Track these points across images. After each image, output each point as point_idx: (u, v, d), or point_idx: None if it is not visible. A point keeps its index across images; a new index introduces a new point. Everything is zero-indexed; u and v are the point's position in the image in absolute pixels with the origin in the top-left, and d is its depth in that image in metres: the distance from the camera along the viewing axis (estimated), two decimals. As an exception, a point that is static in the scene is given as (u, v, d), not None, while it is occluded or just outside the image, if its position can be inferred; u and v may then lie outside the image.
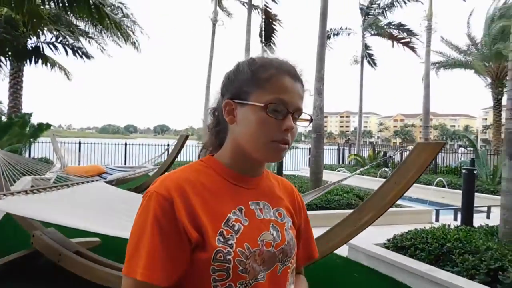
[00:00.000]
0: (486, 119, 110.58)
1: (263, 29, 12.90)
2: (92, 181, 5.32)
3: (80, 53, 16.88)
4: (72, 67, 18.10)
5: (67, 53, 16.34)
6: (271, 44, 14.63)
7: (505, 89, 19.28)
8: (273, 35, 14.72)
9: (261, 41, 14.77)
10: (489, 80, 20.23)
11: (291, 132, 0.88)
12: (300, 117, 0.92)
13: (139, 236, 0.81)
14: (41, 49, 15.49)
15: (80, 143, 16.26)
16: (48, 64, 15.82)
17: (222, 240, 0.83)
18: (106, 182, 6.11)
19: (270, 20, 14.71)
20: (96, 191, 4.72)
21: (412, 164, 2.56)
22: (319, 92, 8.31)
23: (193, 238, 0.81)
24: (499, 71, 19.38)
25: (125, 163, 16.20)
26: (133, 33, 16.05)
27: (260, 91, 0.88)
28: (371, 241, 4.87)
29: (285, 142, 0.88)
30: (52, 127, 15.01)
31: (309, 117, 0.94)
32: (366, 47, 21.69)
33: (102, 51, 17.32)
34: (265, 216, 0.93)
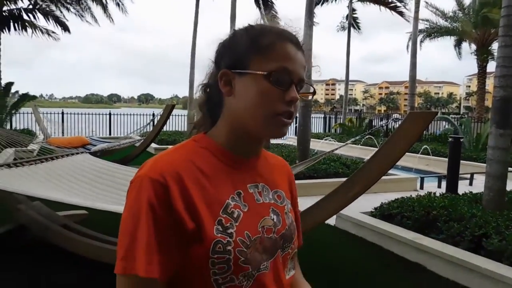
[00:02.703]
0: (469, 86, 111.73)
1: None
2: (77, 153, 5.22)
3: (59, 23, 16.39)
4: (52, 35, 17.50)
5: (47, 22, 15.83)
6: (272, 11, 13.95)
7: (490, 56, 19.43)
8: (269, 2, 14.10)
9: (258, 6, 14.16)
10: (474, 47, 20.29)
11: (294, 104, 0.81)
12: (302, 90, 0.84)
13: (134, 227, 0.72)
14: (18, 14, 14.92)
15: (63, 113, 15.92)
16: (28, 29, 15.31)
17: (221, 229, 0.76)
18: (90, 153, 5.99)
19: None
20: (81, 163, 4.64)
21: (404, 134, 2.53)
22: (307, 60, 8.19)
23: (189, 229, 0.74)
24: (484, 38, 19.41)
25: (109, 134, 15.99)
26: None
27: (262, 59, 0.79)
28: (357, 210, 4.92)
29: (289, 115, 0.81)
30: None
31: (312, 90, 0.88)
32: (352, 11, 21.39)
33: (81, 18, 16.81)
34: (264, 199, 0.86)
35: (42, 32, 16.32)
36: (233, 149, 0.85)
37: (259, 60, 0.79)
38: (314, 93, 0.89)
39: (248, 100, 0.80)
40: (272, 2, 14.05)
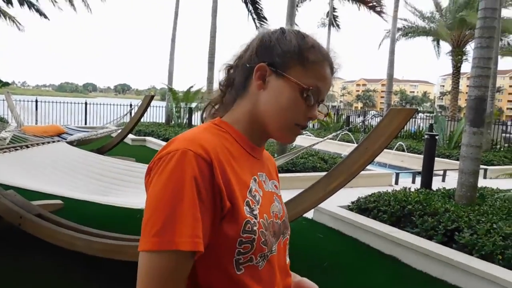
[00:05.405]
0: (443, 85, 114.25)
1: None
2: (53, 141, 5.10)
3: (35, 8, 15.97)
4: (26, 21, 17.06)
5: (21, 5, 15.39)
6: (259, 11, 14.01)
7: (464, 57, 19.94)
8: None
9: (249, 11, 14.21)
10: (450, 48, 20.78)
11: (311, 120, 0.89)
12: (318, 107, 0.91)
13: (175, 201, 0.69)
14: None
15: (37, 101, 15.48)
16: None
17: (248, 210, 0.79)
18: (67, 142, 5.87)
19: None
20: (57, 152, 4.54)
21: (384, 130, 2.58)
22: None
23: (226, 207, 0.75)
24: (460, 39, 19.90)
25: (85, 123, 15.65)
26: None
27: (303, 71, 0.84)
28: (335, 203, 4.99)
29: (303, 128, 0.88)
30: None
31: (326, 111, 0.95)
32: (333, 9, 21.56)
33: (53, 3, 16.40)
34: (267, 188, 0.91)
35: (10, 20, 15.86)
36: (250, 137, 0.89)
37: (300, 70, 0.84)
38: (327, 114, 0.96)
39: (278, 101, 0.84)
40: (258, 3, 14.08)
